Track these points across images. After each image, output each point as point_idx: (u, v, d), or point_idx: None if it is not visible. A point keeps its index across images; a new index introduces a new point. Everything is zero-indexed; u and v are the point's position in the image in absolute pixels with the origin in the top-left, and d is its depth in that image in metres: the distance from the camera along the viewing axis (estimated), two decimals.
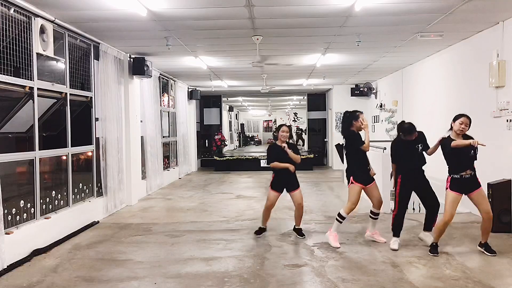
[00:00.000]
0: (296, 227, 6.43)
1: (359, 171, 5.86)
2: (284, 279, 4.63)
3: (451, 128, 5.29)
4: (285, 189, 6.34)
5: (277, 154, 6.23)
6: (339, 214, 5.87)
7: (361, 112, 5.95)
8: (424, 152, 5.68)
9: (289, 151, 6.14)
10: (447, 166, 5.33)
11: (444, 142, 5.28)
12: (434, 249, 5.38)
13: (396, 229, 5.72)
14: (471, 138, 5.22)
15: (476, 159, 5.20)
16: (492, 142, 7.00)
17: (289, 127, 6.54)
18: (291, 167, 6.16)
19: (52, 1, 5.61)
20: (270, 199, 6.32)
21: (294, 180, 6.30)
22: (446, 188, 5.29)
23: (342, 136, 6.14)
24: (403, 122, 5.81)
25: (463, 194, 5.26)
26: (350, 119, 5.91)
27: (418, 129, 5.67)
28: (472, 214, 7.10)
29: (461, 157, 5.17)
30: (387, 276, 4.68)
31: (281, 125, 6.42)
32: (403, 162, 5.71)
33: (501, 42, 6.77)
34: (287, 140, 6.26)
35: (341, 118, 6.41)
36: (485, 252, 5.31)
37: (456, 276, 4.62)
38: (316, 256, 5.42)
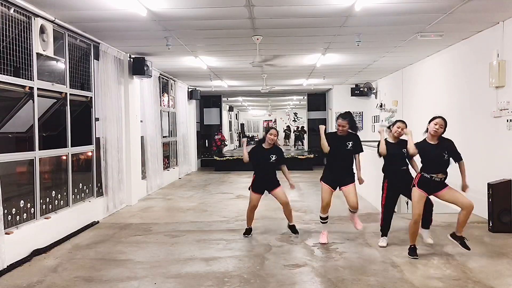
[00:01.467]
0: (289, 224, 6.42)
1: (325, 173, 6.12)
2: (284, 279, 4.63)
3: (427, 130, 5.17)
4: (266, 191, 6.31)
5: (256, 156, 6.25)
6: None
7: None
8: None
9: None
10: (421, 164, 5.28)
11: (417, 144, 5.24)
12: (412, 251, 5.28)
13: (384, 230, 5.82)
14: (449, 140, 5.14)
15: (449, 164, 5.11)
16: (492, 142, 7.01)
17: (277, 130, 6.51)
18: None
19: (52, 1, 5.61)
20: (252, 201, 6.29)
21: (274, 180, 6.27)
22: (413, 185, 5.23)
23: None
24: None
25: (428, 195, 5.21)
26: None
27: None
28: (472, 215, 7.07)
29: (431, 159, 5.11)
30: (387, 276, 4.68)
31: (270, 128, 6.42)
32: (387, 163, 5.75)
33: (501, 42, 6.78)
34: (275, 143, 6.26)
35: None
36: (459, 245, 5.20)
37: (456, 276, 4.62)
38: (316, 256, 5.42)
